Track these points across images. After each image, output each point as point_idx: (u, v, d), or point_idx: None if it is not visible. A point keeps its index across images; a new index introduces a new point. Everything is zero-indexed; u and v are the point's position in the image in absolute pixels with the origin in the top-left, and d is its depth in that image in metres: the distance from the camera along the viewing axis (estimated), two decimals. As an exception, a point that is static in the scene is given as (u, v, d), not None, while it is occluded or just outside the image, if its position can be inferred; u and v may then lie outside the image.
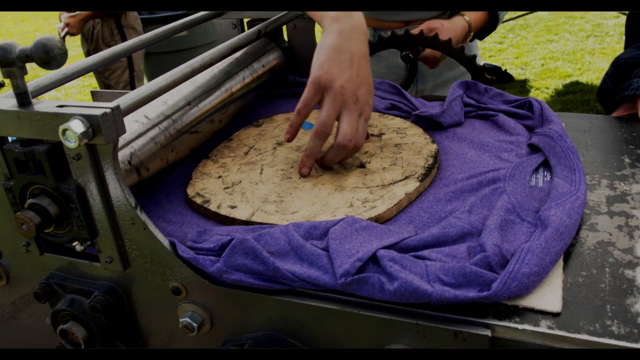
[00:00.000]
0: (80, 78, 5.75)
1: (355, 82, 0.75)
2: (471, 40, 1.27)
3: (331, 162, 0.78)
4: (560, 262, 0.60)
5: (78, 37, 2.96)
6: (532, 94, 4.09)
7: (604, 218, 0.67)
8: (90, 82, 5.37)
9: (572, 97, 4.03)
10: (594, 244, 0.63)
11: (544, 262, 0.57)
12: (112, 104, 0.56)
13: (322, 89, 0.74)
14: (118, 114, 0.56)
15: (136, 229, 0.63)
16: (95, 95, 1.21)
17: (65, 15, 2.78)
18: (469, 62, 1.04)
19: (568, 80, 4.33)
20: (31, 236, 0.63)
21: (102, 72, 2.93)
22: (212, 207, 0.73)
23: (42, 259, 0.71)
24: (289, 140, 0.80)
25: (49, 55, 0.54)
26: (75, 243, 0.66)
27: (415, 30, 1.07)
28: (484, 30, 1.25)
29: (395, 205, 0.70)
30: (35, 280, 0.73)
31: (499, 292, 0.54)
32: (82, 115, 0.55)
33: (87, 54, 2.94)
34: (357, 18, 0.77)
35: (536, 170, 0.76)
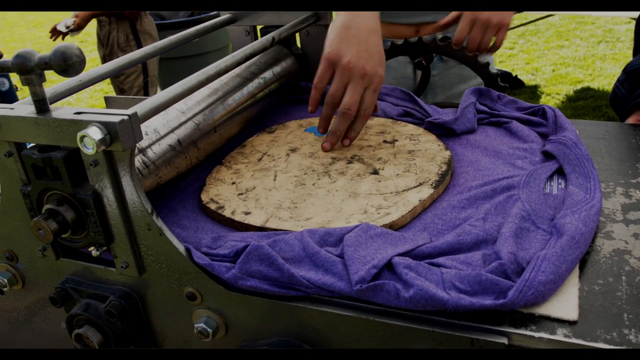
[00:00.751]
0: None
1: (362, 56, 0.81)
2: None
3: (337, 130, 0.85)
4: (577, 270, 0.60)
5: (95, 41, 2.98)
6: (543, 99, 4.08)
7: (620, 226, 0.66)
8: (102, 87, 5.41)
9: (583, 103, 4.01)
10: (610, 252, 0.62)
11: (560, 270, 0.57)
12: (130, 111, 0.57)
13: (332, 65, 0.83)
14: (135, 121, 0.57)
15: (152, 235, 0.63)
16: (108, 101, 1.22)
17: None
18: (482, 69, 1.04)
19: (579, 86, 4.31)
20: (48, 241, 0.63)
21: (117, 76, 2.95)
22: (227, 213, 0.73)
23: (58, 263, 0.72)
24: (312, 111, 0.88)
25: (67, 63, 0.55)
26: (91, 248, 0.67)
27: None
28: None
29: (409, 212, 0.70)
30: (50, 284, 0.73)
31: (515, 299, 0.54)
32: (99, 122, 0.55)
33: (103, 58, 2.97)
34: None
35: (550, 177, 0.76)
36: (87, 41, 7.58)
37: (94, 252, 0.67)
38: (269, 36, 0.86)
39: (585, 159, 0.74)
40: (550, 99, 4.06)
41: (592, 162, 0.74)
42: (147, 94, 2.94)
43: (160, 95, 0.65)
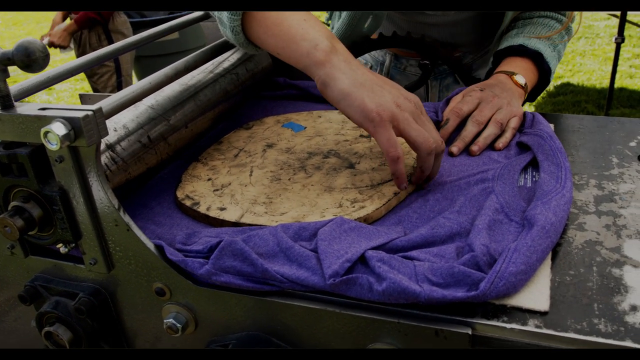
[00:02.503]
0: (73, 81, 5.73)
1: (396, 95, 0.70)
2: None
3: (434, 172, 0.74)
4: (549, 261, 0.60)
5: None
6: (524, 95, 4.10)
7: (592, 217, 0.67)
8: (82, 85, 5.36)
9: (563, 98, 4.04)
10: (582, 243, 0.62)
11: (530, 260, 0.56)
12: (94, 107, 0.55)
13: (388, 123, 0.68)
14: (100, 116, 0.56)
15: (120, 231, 0.62)
16: (83, 99, 1.20)
17: (56, 25, 2.77)
18: (465, 72, 1.04)
19: (559, 82, 4.35)
20: (14, 239, 0.62)
21: (91, 76, 2.92)
22: (202, 209, 0.72)
23: (27, 261, 0.70)
24: (406, 187, 0.72)
25: (30, 58, 0.53)
26: (59, 245, 0.66)
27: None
28: (535, 90, 1.02)
29: (384, 205, 0.70)
30: (20, 282, 0.72)
31: (486, 291, 0.53)
32: (63, 117, 0.54)
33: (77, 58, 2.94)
34: (340, 48, 0.73)
35: (525, 169, 0.76)
36: (67, 40, 7.50)
37: (62, 249, 0.66)
38: (241, 30, 0.85)
39: (559, 151, 0.74)
40: (531, 95, 4.08)
41: (565, 155, 0.74)
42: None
43: (128, 91, 0.64)
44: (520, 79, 0.93)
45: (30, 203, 0.63)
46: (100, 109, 0.56)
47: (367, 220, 0.68)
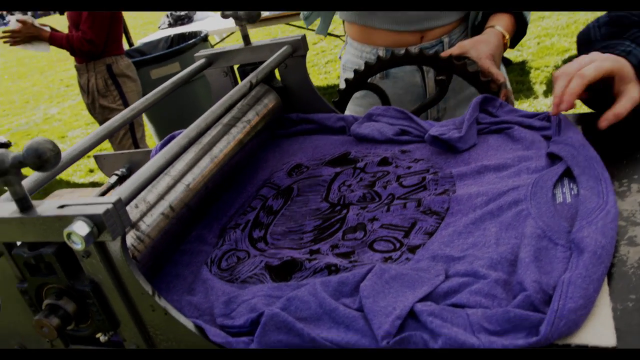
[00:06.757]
0: (74, 97, 5.65)
1: None
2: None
3: None
4: (606, 287, 0.57)
5: (77, 86, 2.94)
6: (533, 74, 4.04)
7: (642, 229, 0.63)
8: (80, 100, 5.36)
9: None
10: (637, 260, 0.59)
11: (588, 292, 0.53)
12: (114, 198, 0.54)
13: None
14: (121, 207, 0.54)
15: (157, 315, 0.60)
16: (98, 160, 1.19)
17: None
18: (473, 77, 1.01)
19: (567, 55, 4.27)
20: (53, 337, 0.61)
21: (103, 122, 2.92)
22: None
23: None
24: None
25: (41, 159, 0.52)
26: (98, 334, 0.64)
27: (445, 53, 1.03)
28: (514, 39, 1.17)
29: None
30: (63, 374, 0.71)
31: (548, 334, 0.51)
32: (84, 215, 0.52)
33: (87, 106, 2.94)
34: None
35: (559, 181, 0.73)
36: (72, 85, 7.60)
37: (102, 337, 0.64)
38: (246, 81, 0.83)
39: (595, 160, 0.71)
40: (540, 73, 4.02)
41: (602, 164, 0.70)
42: (133, 135, 2.91)
43: (143, 171, 0.62)
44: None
45: (63, 299, 0.61)
46: (119, 200, 0.54)
47: None
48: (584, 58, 0.78)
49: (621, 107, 0.77)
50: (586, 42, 0.91)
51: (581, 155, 0.72)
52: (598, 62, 0.76)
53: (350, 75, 1.17)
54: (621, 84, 0.77)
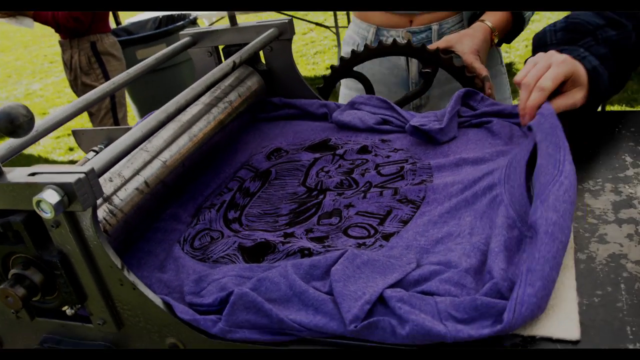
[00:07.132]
0: (58, 74, 5.53)
1: None
2: (498, 45, 1.22)
3: None
4: (573, 282, 0.57)
5: (61, 63, 2.89)
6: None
7: (613, 227, 0.64)
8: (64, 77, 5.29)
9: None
10: (605, 257, 0.60)
11: (544, 272, 0.53)
12: (86, 168, 0.53)
13: None
14: (93, 178, 0.53)
15: (125, 290, 0.60)
16: (77, 135, 1.17)
17: None
18: (458, 72, 1.01)
19: None
20: (17, 308, 0.60)
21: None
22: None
23: (34, 323, 0.68)
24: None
25: (14, 124, 0.51)
26: (65, 307, 0.63)
27: (432, 46, 1.03)
28: (510, 34, 1.17)
29: None
30: (29, 345, 0.70)
31: (512, 321, 0.51)
32: (55, 183, 0.52)
33: (70, 83, 2.90)
34: None
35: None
36: (56, 61, 7.48)
37: (68, 310, 0.64)
38: (229, 60, 0.82)
39: (558, 128, 0.69)
40: (527, 75, 4.03)
41: (564, 132, 0.68)
42: (115, 114, 2.87)
43: (118, 143, 0.61)
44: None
45: (30, 269, 0.60)
46: (92, 170, 0.54)
47: None
48: (541, 59, 0.79)
49: (558, 103, 0.78)
50: (541, 45, 0.92)
51: (547, 122, 0.71)
52: (554, 69, 0.77)
53: (348, 49, 1.23)
54: (572, 86, 0.79)
